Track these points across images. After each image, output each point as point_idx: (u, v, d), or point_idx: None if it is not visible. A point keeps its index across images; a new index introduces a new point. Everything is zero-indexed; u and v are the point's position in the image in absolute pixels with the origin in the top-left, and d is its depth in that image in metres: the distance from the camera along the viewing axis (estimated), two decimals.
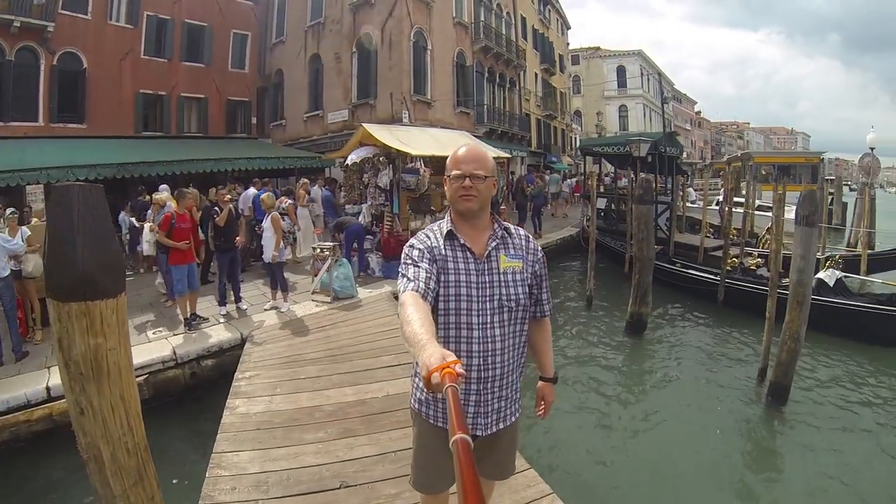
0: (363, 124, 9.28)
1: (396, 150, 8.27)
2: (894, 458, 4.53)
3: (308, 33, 18.57)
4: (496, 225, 1.74)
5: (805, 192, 5.81)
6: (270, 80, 20.30)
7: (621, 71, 41.11)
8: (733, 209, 13.47)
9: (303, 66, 18.70)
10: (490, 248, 1.68)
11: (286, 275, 7.03)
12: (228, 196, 6.48)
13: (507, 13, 22.92)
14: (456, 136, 11.91)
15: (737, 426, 5.17)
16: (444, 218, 1.77)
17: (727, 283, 8.60)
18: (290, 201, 8.21)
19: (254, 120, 19.82)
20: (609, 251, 11.94)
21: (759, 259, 10.48)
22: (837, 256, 8.82)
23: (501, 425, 1.73)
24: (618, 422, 5.18)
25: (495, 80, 21.63)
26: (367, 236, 8.76)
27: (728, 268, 8.96)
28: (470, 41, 19.47)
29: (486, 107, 20.42)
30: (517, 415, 1.80)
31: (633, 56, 41.51)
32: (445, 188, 1.75)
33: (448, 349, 1.23)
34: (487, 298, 1.65)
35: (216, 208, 6.38)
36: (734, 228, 13.72)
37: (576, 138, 35.65)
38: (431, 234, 1.73)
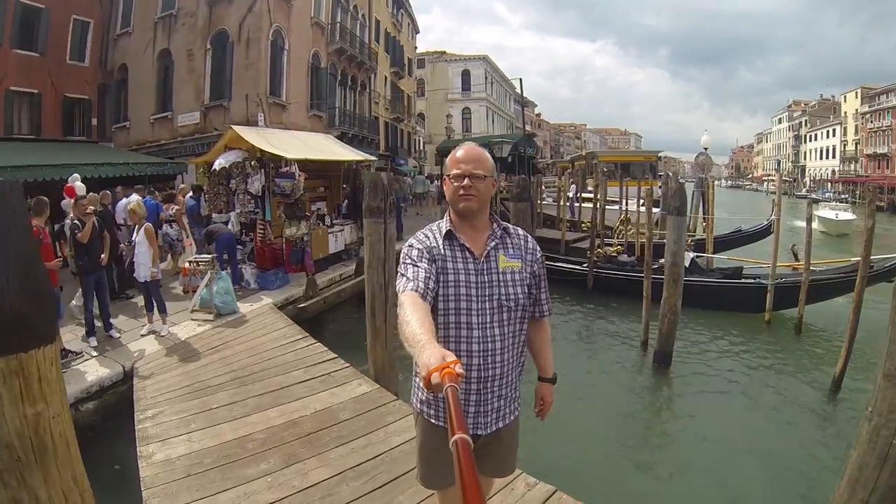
0: (232, 126, 8.52)
1: (271, 153, 7.70)
2: (756, 398, 5.77)
3: (158, 25, 16.15)
4: (495, 225, 1.73)
5: (675, 186, 6.76)
6: (114, 76, 17.22)
7: (466, 75, 42.50)
8: (581, 204, 15.19)
9: (151, 62, 16.24)
10: (489, 248, 1.67)
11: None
12: (91, 207, 5.41)
13: (363, 15, 22.66)
14: (322, 140, 11.51)
15: (631, 391, 5.92)
16: (443, 218, 1.75)
17: (595, 271, 9.68)
18: (176, 207, 7.19)
19: (94, 121, 16.69)
20: None
21: (619, 247, 11.94)
22: (689, 241, 10.12)
23: (501, 423, 1.73)
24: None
25: (347, 83, 21.25)
26: (237, 246, 8.05)
27: (594, 257, 10.03)
28: (325, 42, 18.80)
29: (338, 110, 19.93)
30: (517, 412, 1.80)
31: (479, 61, 43.41)
32: (444, 188, 1.73)
33: (448, 349, 1.23)
34: (487, 298, 1.63)
35: (76, 222, 5.24)
36: (586, 221, 15.52)
37: (420, 141, 36.50)
38: (430, 233, 1.71)
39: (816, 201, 21.49)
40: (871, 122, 55.20)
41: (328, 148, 11.10)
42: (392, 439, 3.31)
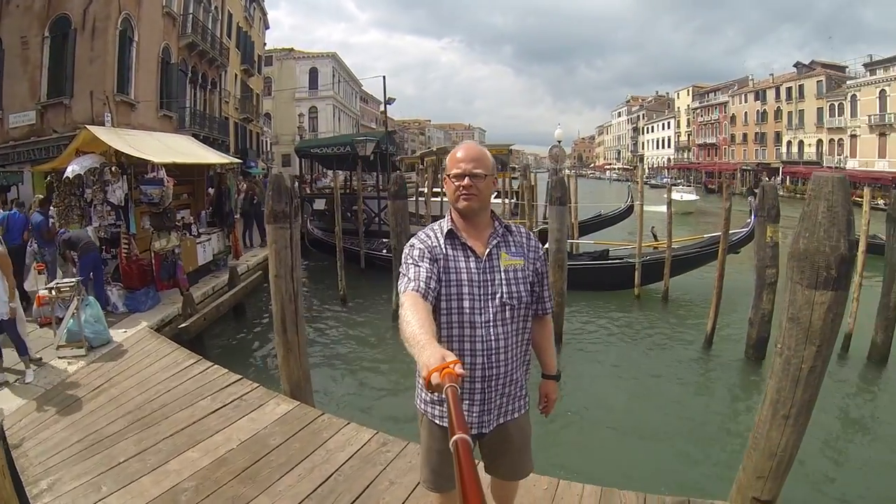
0: (88, 127, 7.14)
1: (137, 158, 6.58)
2: (643, 361, 6.46)
3: None
4: (496, 223, 1.69)
5: (556, 178, 7.21)
6: None
7: (314, 73, 40.91)
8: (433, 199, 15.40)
9: None
10: (491, 247, 1.64)
11: None
12: None
13: (216, 7, 20.56)
14: (184, 142, 10.25)
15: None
16: (444, 217, 1.70)
17: None
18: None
19: None
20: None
21: None
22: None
23: (503, 419, 1.70)
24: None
25: (198, 81, 19.22)
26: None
27: None
28: (177, 35, 16.70)
29: (188, 109, 17.96)
30: (524, 409, 1.77)
31: (327, 58, 41.97)
32: (445, 188, 1.70)
33: (451, 348, 1.23)
34: (490, 297, 1.60)
35: None
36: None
37: (267, 142, 34.51)
38: (432, 233, 1.67)
39: (656, 186, 24.57)
40: (702, 116, 64.12)
41: (192, 150, 9.90)
42: (336, 457, 3.04)
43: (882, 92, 38.80)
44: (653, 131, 77.57)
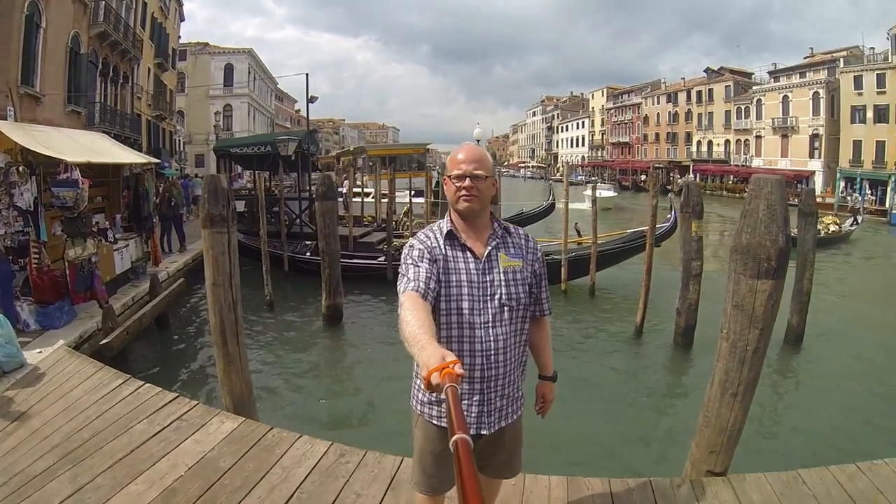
0: None
1: (47, 156, 5.86)
2: (578, 353, 6.67)
3: None
4: (496, 224, 1.70)
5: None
6: None
7: (229, 69, 38.92)
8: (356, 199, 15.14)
9: None
10: (490, 248, 1.65)
11: None
12: None
13: None
14: (98, 140, 9.36)
15: None
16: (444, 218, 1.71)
17: (394, 263, 9.59)
18: None
19: None
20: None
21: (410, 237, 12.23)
22: None
23: (504, 423, 1.71)
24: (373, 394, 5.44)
25: (109, 74, 17.67)
26: None
27: (394, 251, 10.07)
28: (87, 23, 15.17)
29: (98, 105, 16.44)
30: (520, 411, 1.79)
31: (243, 55, 40.08)
32: (445, 189, 1.69)
33: (450, 349, 1.22)
34: (489, 298, 1.61)
35: None
36: (368, 215, 15.65)
37: (180, 141, 32.51)
38: (431, 233, 1.67)
39: (572, 183, 25.53)
40: (616, 116, 67.33)
41: (107, 149, 9.06)
42: (294, 473, 2.88)
43: (785, 97, 42.93)
44: (567, 130, 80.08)
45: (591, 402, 5.28)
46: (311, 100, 16.42)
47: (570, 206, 10.47)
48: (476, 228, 1.66)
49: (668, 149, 57.39)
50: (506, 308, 1.62)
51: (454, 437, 0.82)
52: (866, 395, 5.68)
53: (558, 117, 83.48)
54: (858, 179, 35.70)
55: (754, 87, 47.20)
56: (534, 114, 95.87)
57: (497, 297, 1.61)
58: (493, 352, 1.61)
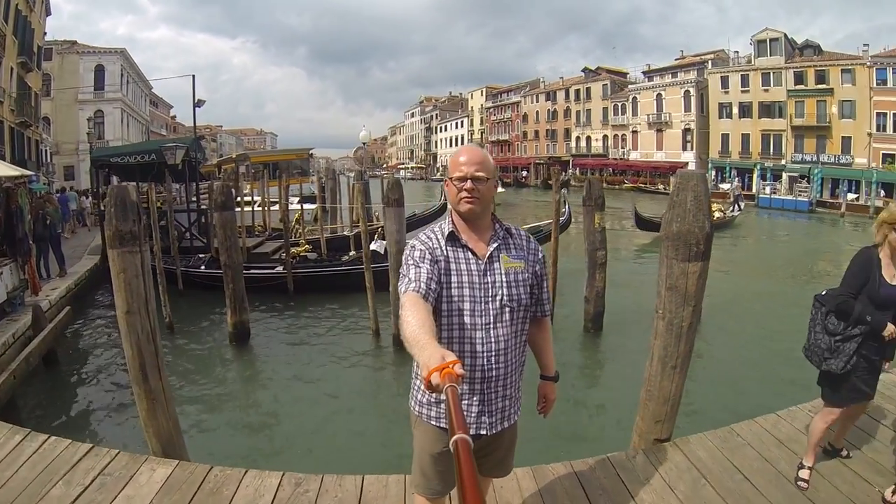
0: None
1: None
2: None
3: None
4: (497, 225, 1.72)
5: (392, 180, 7.16)
6: None
7: (100, 71, 35.08)
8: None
9: None
10: (492, 249, 1.66)
11: None
12: None
13: None
14: None
15: (373, 373, 6.16)
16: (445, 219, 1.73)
17: (294, 272, 9.32)
18: None
19: None
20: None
21: (307, 245, 11.74)
22: (380, 228, 10.59)
23: (506, 423, 1.73)
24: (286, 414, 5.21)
25: None
26: None
27: (291, 259, 9.71)
28: None
29: None
30: (518, 413, 1.80)
31: (115, 55, 36.36)
32: (446, 190, 1.71)
33: (451, 350, 1.23)
34: (490, 299, 1.62)
35: None
36: (258, 225, 14.96)
37: (47, 151, 28.56)
38: (433, 234, 1.68)
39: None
40: (495, 114, 69.78)
41: None
42: None
43: (659, 95, 47.59)
44: (446, 130, 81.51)
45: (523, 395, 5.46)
46: (197, 104, 15.02)
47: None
48: (477, 230, 1.68)
49: (547, 145, 60.64)
50: (507, 309, 1.64)
51: (454, 438, 0.83)
52: (766, 353, 6.54)
53: (437, 118, 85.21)
54: (728, 168, 40.73)
55: (630, 86, 51.81)
56: (412, 115, 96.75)
57: (498, 298, 1.63)
58: (493, 353, 1.62)
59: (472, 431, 1.61)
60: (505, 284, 1.64)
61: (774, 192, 35.06)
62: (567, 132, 58.10)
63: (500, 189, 29.58)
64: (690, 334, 2.95)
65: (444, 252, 1.63)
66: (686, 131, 45.52)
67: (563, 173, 53.23)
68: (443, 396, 1.00)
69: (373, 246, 9.69)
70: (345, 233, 13.53)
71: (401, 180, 7.40)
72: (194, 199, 13.63)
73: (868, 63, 34.43)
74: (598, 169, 53.18)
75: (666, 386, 3.04)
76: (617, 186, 44.87)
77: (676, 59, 50.98)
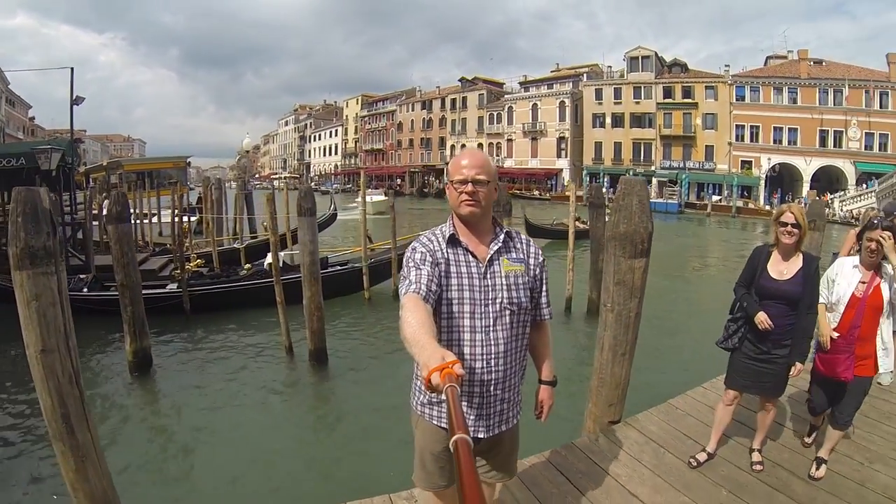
0: None
1: None
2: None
3: None
4: (498, 229, 1.77)
5: (304, 188, 7.05)
6: None
7: None
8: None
9: None
10: (492, 252, 1.70)
11: None
12: None
13: None
14: None
15: (296, 394, 5.92)
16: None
17: (191, 290, 8.69)
18: None
19: None
20: None
21: (199, 260, 11.03)
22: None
23: (504, 427, 1.77)
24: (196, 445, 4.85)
25: None
26: None
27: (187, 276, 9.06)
28: None
29: None
30: (518, 416, 1.85)
31: None
32: (448, 193, 1.75)
33: (451, 351, 1.26)
34: (490, 302, 1.67)
35: None
36: (138, 239, 13.84)
37: None
38: (434, 237, 1.72)
39: (326, 192, 26.17)
40: (370, 123, 70.32)
41: None
42: None
43: (534, 105, 51.22)
44: (321, 139, 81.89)
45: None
46: (76, 101, 13.07)
47: (345, 215, 10.70)
48: (478, 232, 1.72)
49: (422, 154, 62.59)
50: (507, 312, 1.68)
51: (454, 438, 0.85)
52: (679, 336, 7.27)
53: (311, 126, 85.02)
54: (601, 174, 45.14)
55: (506, 96, 55.33)
56: (286, 123, 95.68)
57: (498, 300, 1.67)
58: (492, 355, 1.67)
59: (469, 433, 1.69)
60: (505, 287, 1.68)
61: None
62: (442, 140, 60.11)
63: (384, 197, 29.69)
64: (636, 323, 3.41)
65: (445, 254, 1.67)
66: (561, 139, 49.48)
67: (438, 182, 55.69)
68: (443, 396, 1.02)
69: (271, 258, 9.54)
70: (235, 245, 12.86)
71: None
72: (71, 210, 12.02)
73: (729, 81, 41.21)
74: None
75: (617, 372, 3.47)
76: None
77: (552, 71, 55.35)
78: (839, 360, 2.91)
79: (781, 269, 2.84)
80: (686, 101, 42.22)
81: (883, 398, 3.94)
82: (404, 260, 1.69)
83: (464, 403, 1.66)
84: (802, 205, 37.42)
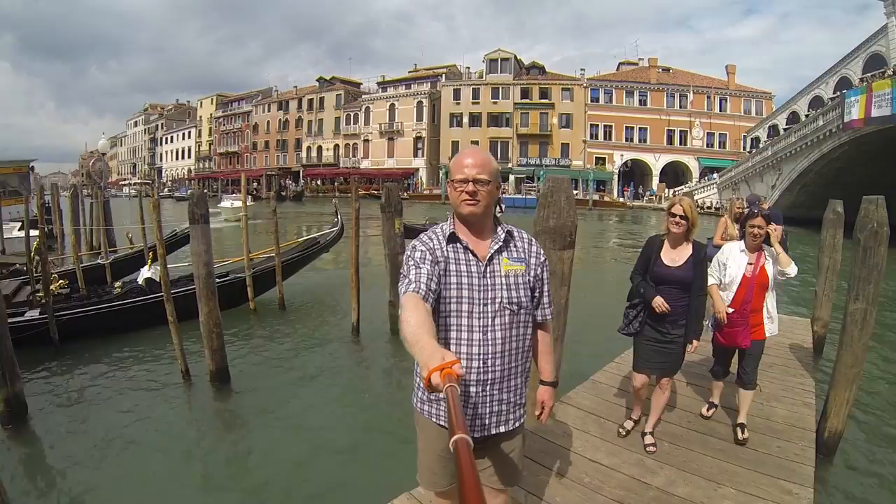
0: None
1: None
2: (304, 369, 6.48)
3: None
4: (498, 228, 1.80)
5: (198, 194, 6.39)
6: None
7: None
8: None
9: None
10: (492, 251, 1.73)
11: None
12: None
13: None
14: None
15: (202, 423, 5.37)
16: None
17: (58, 317, 7.30)
18: None
19: None
20: None
21: (62, 281, 9.64)
22: (150, 253, 9.22)
23: (502, 428, 1.78)
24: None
25: None
26: None
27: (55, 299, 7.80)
28: None
29: None
30: (521, 420, 1.85)
31: None
32: (448, 192, 1.78)
33: (448, 350, 1.29)
34: (489, 301, 1.69)
35: None
36: None
37: None
38: (434, 235, 1.75)
39: (182, 199, 24.00)
40: (225, 124, 67.06)
41: None
42: None
43: (392, 105, 52.25)
44: (173, 141, 77.89)
45: (346, 416, 5.34)
46: None
47: (215, 222, 10.08)
48: (479, 231, 1.75)
49: (277, 156, 61.53)
50: (506, 312, 1.71)
51: (454, 437, 0.87)
52: (587, 320, 7.67)
53: (163, 127, 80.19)
54: None
55: (364, 96, 55.93)
56: (135, 124, 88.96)
57: (497, 300, 1.70)
58: (490, 355, 1.69)
59: (469, 432, 1.69)
60: (504, 287, 1.71)
61: (504, 192, 43.56)
62: (298, 142, 59.45)
63: (250, 202, 27.97)
64: (566, 309, 3.83)
65: (445, 253, 1.70)
66: (418, 139, 51.24)
67: (294, 185, 54.47)
68: (442, 396, 1.05)
69: (147, 273, 8.56)
70: (99, 261, 11.23)
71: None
72: None
73: (584, 84, 46.30)
74: (329, 179, 55.64)
75: (554, 356, 3.87)
76: (336, 196, 47.39)
77: (410, 72, 57.00)
78: (737, 331, 3.46)
79: (673, 256, 3.20)
80: (543, 101, 46.45)
81: (766, 354, 4.63)
82: (404, 258, 1.72)
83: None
84: (652, 196, 43.27)
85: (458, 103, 48.74)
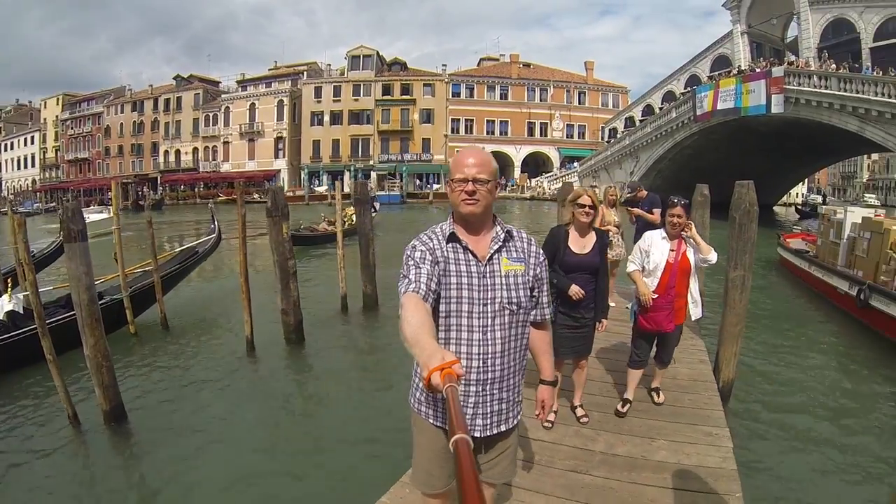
0: None
1: None
2: (192, 395, 5.93)
3: None
4: (498, 227, 1.81)
5: (70, 206, 5.33)
6: None
7: None
8: None
9: None
10: (492, 251, 1.75)
11: None
12: None
13: None
14: None
15: (99, 473, 4.58)
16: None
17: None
18: None
19: None
20: None
21: None
22: (9, 279, 7.97)
23: (504, 427, 1.82)
24: None
25: None
26: None
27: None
28: None
29: None
30: (518, 418, 1.89)
31: None
32: (448, 192, 1.82)
33: (448, 350, 1.33)
34: (489, 301, 1.72)
35: None
36: None
37: None
38: (434, 235, 1.78)
39: (29, 214, 20.85)
40: (73, 128, 60.60)
41: None
42: None
43: (252, 105, 50.34)
44: (13, 148, 69.01)
45: (265, 429, 5.12)
46: None
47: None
48: (478, 231, 1.76)
49: (133, 161, 57.30)
50: (506, 311, 1.73)
51: (454, 438, 0.89)
52: None
53: (2, 132, 70.51)
54: (321, 173, 47.39)
55: (223, 96, 53.41)
56: None
57: (497, 300, 1.72)
58: (490, 355, 1.72)
59: (469, 432, 1.73)
60: (504, 286, 1.73)
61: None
62: (155, 146, 55.79)
63: (108, 215, 25.84)
64: None
65: (444, 252, 1.71)
66: (279, 139, 50.20)
67: (153, 192, 50.54)
68: (442, 395, 1.06)
69: (8, 306, 7.00)
70: None
71: None
72: None
73: (446, 80, 47.84)
74: (189, 184, 52.77)
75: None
76: (212, 200, 45.04)
77: (271, 70, 55.22)
78: (661, 315, 3.63)
79: (582, 244, 3.38)
80: (405, 97, 47.38)
81: None
82: (404, 258, 1.71)
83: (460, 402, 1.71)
84: (513, 186, 44.50)
85: (319, 101, 48.19)
